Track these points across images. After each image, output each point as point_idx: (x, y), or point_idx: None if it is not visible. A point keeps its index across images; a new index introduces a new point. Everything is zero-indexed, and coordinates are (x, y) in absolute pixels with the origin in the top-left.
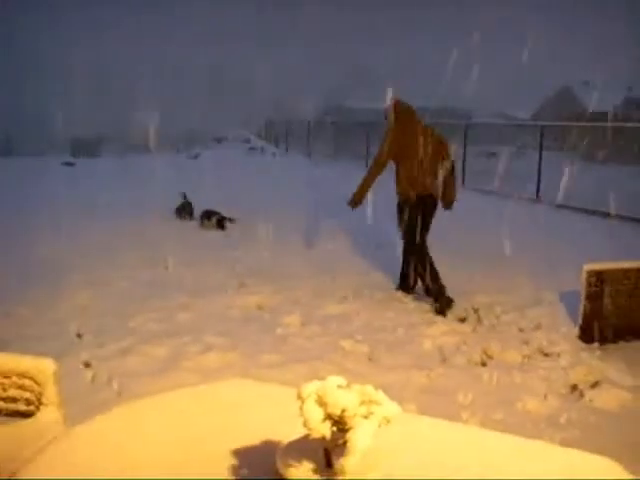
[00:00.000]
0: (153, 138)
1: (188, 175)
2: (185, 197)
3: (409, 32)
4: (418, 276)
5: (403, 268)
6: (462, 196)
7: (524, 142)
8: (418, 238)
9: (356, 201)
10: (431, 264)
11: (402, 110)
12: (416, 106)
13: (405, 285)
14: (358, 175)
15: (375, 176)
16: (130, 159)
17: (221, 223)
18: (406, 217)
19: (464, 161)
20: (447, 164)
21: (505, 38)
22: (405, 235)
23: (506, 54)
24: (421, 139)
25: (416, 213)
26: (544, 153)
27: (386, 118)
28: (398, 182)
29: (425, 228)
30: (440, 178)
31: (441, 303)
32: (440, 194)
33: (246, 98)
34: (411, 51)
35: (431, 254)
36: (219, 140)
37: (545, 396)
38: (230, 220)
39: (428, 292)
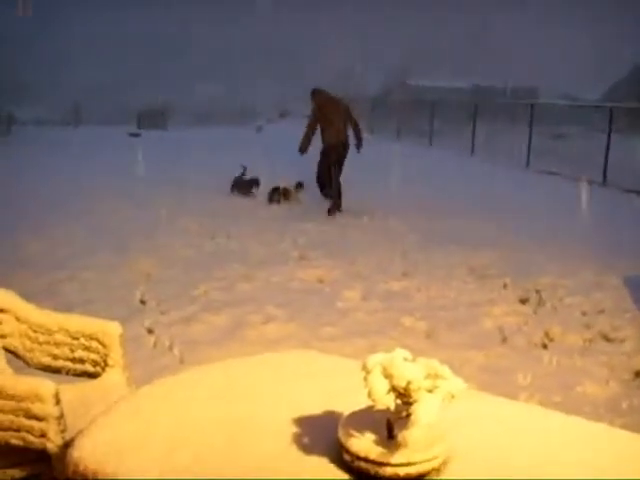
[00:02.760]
0: (217, 110)
1: (251, 148)
2: (244, 171)
3: (474, 9)
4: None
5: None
6: (526, 177)
7: (592, 124)
8: (334, 169)
9: (302, 149)
10: (339, 186)
11: (320, 95)
12: (479, 85)
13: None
14: (423, 154)
15: (309, 134)
16: (194, 131)
17: (287, 193)
18: (329, 157)
19: (529, 142)
20: (352, 122)
21: (574, 17)
22: (327, 169)
23: (575, 33)
24: (334, 109)
25: (336, 155)
26: (613, 136)
27: (313, 100)
28: (324, 138)
29: (340, 164)
30: (350, 131)
31: (333, 208)
32: (352, 141)
33: (311, 74)
34: (476, 29)
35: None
36: (283, 114)
37: (606, 381)
38: (297, 188)
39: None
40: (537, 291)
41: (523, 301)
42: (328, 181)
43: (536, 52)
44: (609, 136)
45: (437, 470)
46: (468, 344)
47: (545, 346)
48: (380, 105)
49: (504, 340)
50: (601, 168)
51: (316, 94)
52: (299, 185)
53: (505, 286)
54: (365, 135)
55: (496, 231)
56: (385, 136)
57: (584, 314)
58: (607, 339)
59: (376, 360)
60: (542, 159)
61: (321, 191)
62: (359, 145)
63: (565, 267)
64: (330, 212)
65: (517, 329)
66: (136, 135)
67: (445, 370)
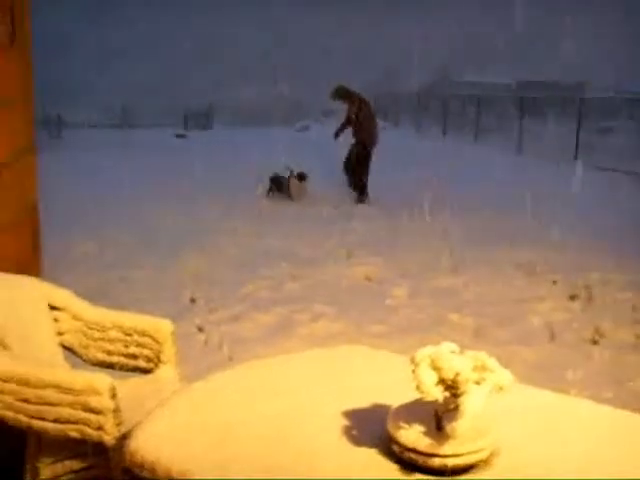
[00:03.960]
0: (263, 110)
1: (297, 148)
2: (289, 171)
3: (521, 3)
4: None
5: (357, 185)
6: (575, 172)
7: None
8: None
9: (336, 135)
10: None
11: (356, 95)
12: (525, 80)
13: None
14: (468, 150)
15: (345, 126)
16: (240, 131)
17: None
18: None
19: (577, 136)
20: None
21: (619, 7)
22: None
23: (621, 23)
24: (369, 108)
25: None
26: None
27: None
28: (365, 134)
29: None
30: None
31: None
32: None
33: (356, 71)
34: (522, 23)
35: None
36: (326, 113)
37: None
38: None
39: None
40: (586, 287)
41: (572, 297)
42: (364, 174)
43: (583, 45)
44: None
45: (485, 462)
46: (516, 341)
47: (595, 342)
48: (425, 101)
49: (553, 337)
50: None
51: (346, 90)
52: (301, 177)
53: (554, 282)
54: (410, 132)
55: (544, 227)
56: (430, 132)
57: (635, 310)
58: None
59: (424, 353)
60: (590, 153)
61: (350, 185)
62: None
63: (615, 263)
64: (360, 200)
65: (566, 325)
66: (182, 136)
67: (493, 362)
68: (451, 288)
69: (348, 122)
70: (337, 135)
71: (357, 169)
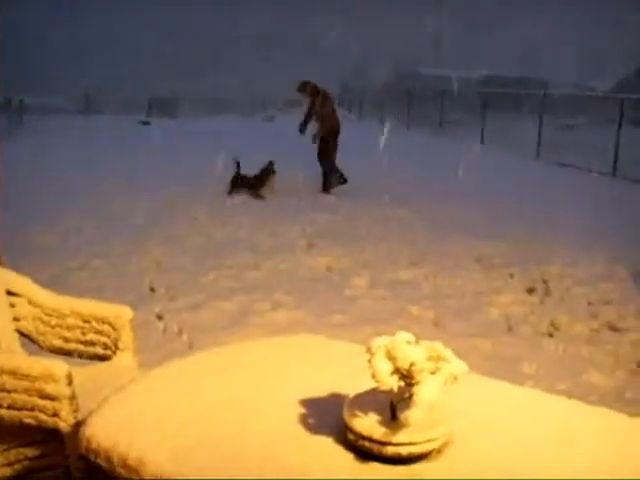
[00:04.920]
0: (228, 100)
1: (263, 137)
2: (238, 167)
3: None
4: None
5: (326, 175)
6: (537, 168)
7: (602, 115)
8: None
9: (302, 131)
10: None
11: (317, 87)
12: (489, 75)
13: (329, 186)
14: (432, 144)
15: (308, 120)
16: (204, 120)
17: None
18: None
19: (539, 133)
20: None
21: (584, 8)
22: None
23: (587, 24)
24: (330, 99)
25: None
26: (625, 127)
27: (305, 92)
28: (328, 125)
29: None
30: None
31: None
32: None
33: (322, 63)
34: (488, 19)
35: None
36: (293, 104)
37: (612, 371)
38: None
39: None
40: (544, 281)
41: (530, 291)
42: (332, 163)
43: (546, 43)
44: (619, 127)
45: (438, 451)
46: (474, 332)
47: (551, 335)
48: (390, 94)
49: (510, 329)
50: (611, 159)
51: (312, 86)
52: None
53: (512, 276)
54: (374, 124)
55: (504, 221)
56: (395, 125)
57: (591, 304)
58: (613, 329)
59: (380, 342)
60: (552, 150)
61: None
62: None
63: (573, 258)
64: (326, 190)
65: (523, 318)
66: (146, 123)
67: (448, 352)
68: (411, 280)
69: (309, 115)
70: (302, 129)
71: (321, 160)
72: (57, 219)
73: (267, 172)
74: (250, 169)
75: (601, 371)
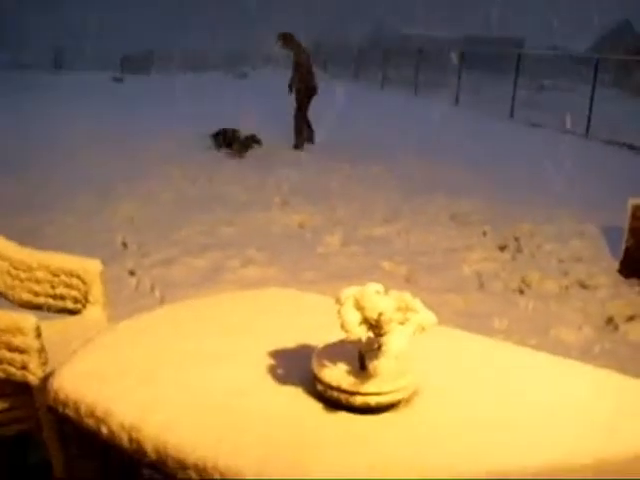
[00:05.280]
0: (202, 57)
1: (235, 95)
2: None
3: None
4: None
5: (298, 131)
6: (511, 127)
7: (577, 76)
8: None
9: (291, 86)
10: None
11: (297, 41)
12: (467, 35)
13: (300, 142)
14: (407, 103)
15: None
16: (178, 77)
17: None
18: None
19: (514, 93)
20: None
21: None
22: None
23: None
24: (308, 56)
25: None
26: (599, 88)
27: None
28: (306, 81)
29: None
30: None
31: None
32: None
33: (296, 18)
34: None
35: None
36: (267, 60)
37: (580, 327)
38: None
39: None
40: (516, 238)
41: (501, 248)
42: (305, 120)
43: (524, 4)
44: (593, 88)
45: (406, 401)
46: (446, 288)
47: (522, 292)
48: (366, 54)
49: (481, 285)
50: (585, 120)
51: (293, 38)
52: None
53: (485, 233)
54: (348, 84)
55: (478, 180)
56: (370, 85)
57: (561, 261)
58: (583, 286)
59: (349, 293)
60: (526, 110)
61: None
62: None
63: (545, 216)
64: (297, 147)
65: (494, 275)
66: (119, 80)
67: (416, 303)
68: (384, 237)
69: (297, 67)
70: (291, 87)
71: (296, 116)
72: (25, 174)
73: (253, 141)
74: (218, 127)
75: (570, 327)
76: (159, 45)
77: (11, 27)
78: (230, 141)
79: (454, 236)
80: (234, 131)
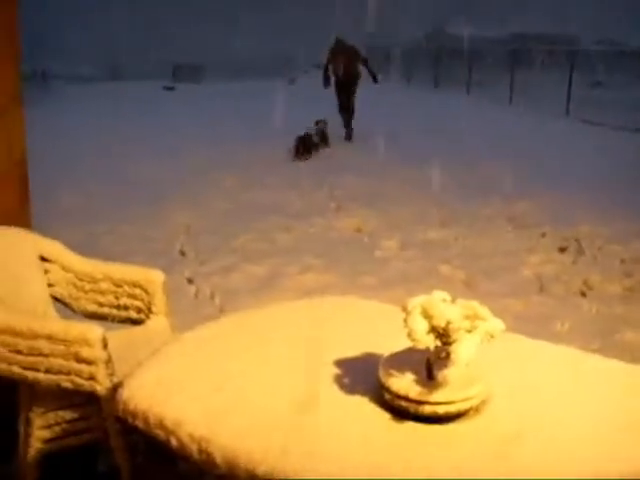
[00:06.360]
0: (252, 63)
1: (285, 100)
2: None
3: None
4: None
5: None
6: (566, 125)
7: (635, 72)
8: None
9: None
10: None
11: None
12: (517, 33)
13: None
14: (460, 103)
15: (325, 72)
16: (228, 84)
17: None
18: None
19: (569, 90)
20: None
21: None
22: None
23: None
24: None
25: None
26: None
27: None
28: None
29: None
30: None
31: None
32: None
33: (345, 23)
34: None
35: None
36: (317, 65)
37: None
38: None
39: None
40: (576, 240)
41: (562, 250)
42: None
43: None
44: None
45: (475, 410)
46: (506, 292)
47: (584, 294)
48: (417, 54)
49: (542, 288)
50: None
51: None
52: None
53: (544, 235)
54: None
55: (534, 181)
56: (422, 85)
57: (624, 262)
58: None
59: (416, 301)
60: (582, 107)
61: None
62: (374, 80)
63: (604, 217)
64: (348, 138)
65: (555, 277)
66: (171, 89)
67: (484, 311)
68: (441, 240)
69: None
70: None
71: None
72: (83, 184)
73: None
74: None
75: (635, 330)
76: (209, 53)
77: (66, 40)
78: (309, 146)
79: (512, 238)
80: (310, 136)
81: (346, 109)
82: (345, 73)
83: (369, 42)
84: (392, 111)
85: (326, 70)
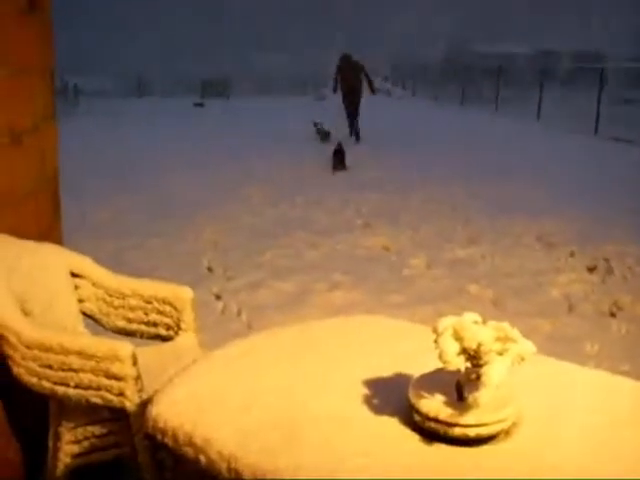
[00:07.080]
0: (280, 79)
1: (314, 116)
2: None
3: None
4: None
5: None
6: (595, 144)
7: None
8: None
9: (333, 91)
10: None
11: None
12: (543, 50)
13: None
14: (487, 120)
15: (334, 82)
16: (256, 100)
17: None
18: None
19: (598, 108)
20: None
21: None
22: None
23: None
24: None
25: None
26: None
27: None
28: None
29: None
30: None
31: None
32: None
33: (374, 41)
34: None
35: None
36: None
37: None
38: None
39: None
40: (605, 259)
41: (591, 269)
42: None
43: (602, 14)
44: None
45: (506, 432)
46: (535, 312)
47: (614, 315)
48: (443, 72)
49: (571, 309)
50: None
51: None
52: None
53: (572, 254)
54: (428, 102)
55: (562, 199)
56: (448, 103)
57: None
58: None
59: (447, 323)
60: (611, 125)
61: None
62: (372, 90)
63: (633, 236)
64: (356, 138)
65: (584, 297)
66: (200, 105)
67: (515, 333)
68: (469, 259)
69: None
70: (334, 91)
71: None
72: (111, 199)
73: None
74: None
75: None
76: (236, 67)
77: (94, 56)
78: (342, 157)
79: (540, 258)
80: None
81: (352, 114)
82: (350, 85)
83: (394, 60)
84: (418, 127)
85: (335, 80)
